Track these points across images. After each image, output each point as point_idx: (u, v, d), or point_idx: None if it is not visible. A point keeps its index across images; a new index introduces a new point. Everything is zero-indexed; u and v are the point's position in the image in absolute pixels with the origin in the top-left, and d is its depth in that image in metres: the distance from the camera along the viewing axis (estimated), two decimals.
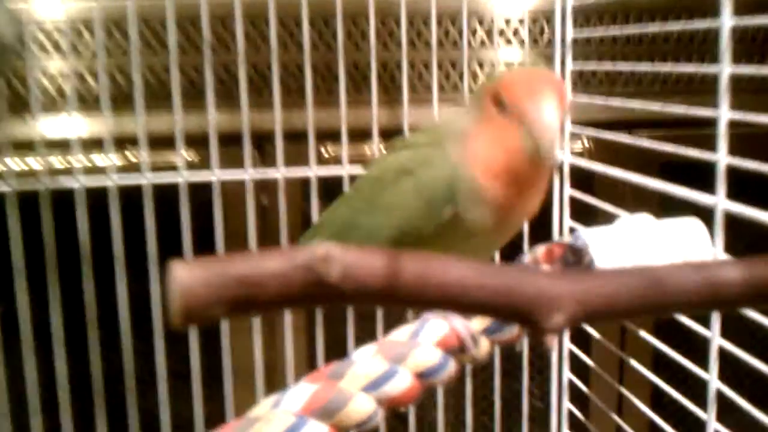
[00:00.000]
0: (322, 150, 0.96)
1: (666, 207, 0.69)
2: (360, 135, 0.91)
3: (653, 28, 0.94)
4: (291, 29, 0.96)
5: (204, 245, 0.85)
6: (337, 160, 0.91)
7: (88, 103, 0.92)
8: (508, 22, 1.01)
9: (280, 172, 0.86)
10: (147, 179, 0.84)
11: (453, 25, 1.00)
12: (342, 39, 0.86)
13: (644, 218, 0.66)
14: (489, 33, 1.01)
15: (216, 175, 0.85)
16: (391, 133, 0.86)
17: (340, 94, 0.86)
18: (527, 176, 0.57)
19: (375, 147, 0.89)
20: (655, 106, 0.74)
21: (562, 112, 0.54)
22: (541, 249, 0.69)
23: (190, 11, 0.89)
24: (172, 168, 0.85)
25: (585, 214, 0.90)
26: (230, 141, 0.87)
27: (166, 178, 0.85)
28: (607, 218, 0.74)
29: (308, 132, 0.85)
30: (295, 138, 0.89)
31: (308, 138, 0.86)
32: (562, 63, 0.91)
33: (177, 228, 0.84)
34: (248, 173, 0.86)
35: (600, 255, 0.62)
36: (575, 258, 0.64)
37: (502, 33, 1.01)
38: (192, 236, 0.84)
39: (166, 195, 0.84)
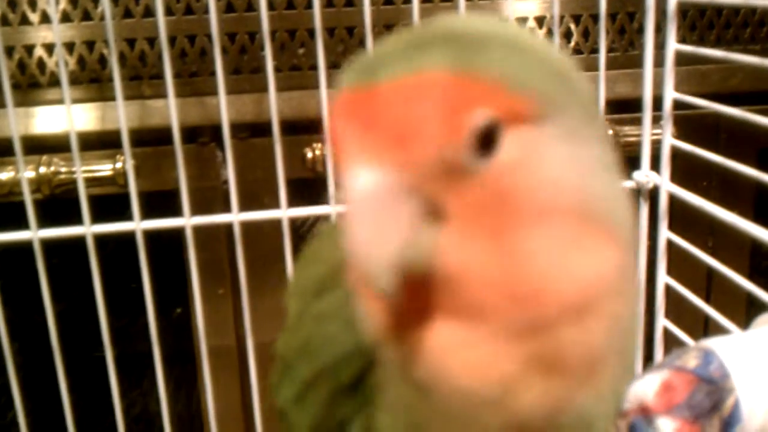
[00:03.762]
0: (307, 152, 0.69)
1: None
2: None
3: None
4: None
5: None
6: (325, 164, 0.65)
7: None
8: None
9: (235, 217, 0.60)
10: (34, 234, 0.59)
11: None
12: None
13: None
14: None
15: (137, 224, 0.59)
16: None
17: (319, 72, 0.57)
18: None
19: None
20: None
21: (420, 174, 0.25)
22: (652, 383, 0.41)
23: None
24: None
25: None
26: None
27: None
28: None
29: (273, 129, 0.57)
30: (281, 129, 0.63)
31: (273, 135, 0.57)
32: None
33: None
34: (187, 220, 0.60)
35: (757, 396, 0.36)
36: (712, 398, 0.37)
37: None
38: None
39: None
